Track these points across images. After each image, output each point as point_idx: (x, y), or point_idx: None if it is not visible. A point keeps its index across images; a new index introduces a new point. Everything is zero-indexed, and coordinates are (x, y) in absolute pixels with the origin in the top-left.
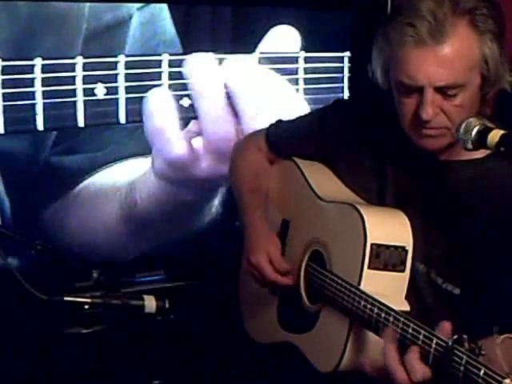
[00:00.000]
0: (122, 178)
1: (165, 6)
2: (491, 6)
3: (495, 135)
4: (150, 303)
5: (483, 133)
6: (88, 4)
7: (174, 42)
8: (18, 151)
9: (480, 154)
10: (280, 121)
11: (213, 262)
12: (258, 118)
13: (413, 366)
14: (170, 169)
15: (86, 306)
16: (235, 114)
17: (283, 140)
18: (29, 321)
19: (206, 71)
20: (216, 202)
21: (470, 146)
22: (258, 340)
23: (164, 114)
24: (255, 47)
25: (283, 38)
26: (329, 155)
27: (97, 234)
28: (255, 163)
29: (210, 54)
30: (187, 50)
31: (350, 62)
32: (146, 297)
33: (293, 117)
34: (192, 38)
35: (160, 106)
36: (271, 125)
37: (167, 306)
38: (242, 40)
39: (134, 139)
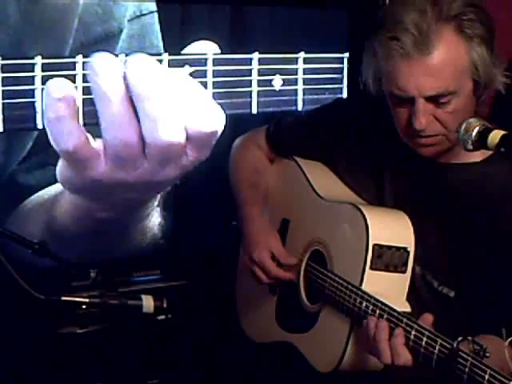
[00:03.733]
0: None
1: (156, 20)
2: (477, 10)
3: (496, 136)
4: (148, 303)
5: (483, 133)
6: (78, 16)
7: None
8: None
9: (478, 157)
10: (280, 119)
11: (210, 262)
12: (161, 122)
13: (398, 351)
14: (69, 166)
15: (84, 306)
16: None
17: (284, 139)
18: (26, 320)
19: (110, 73)
20: (153, 224)
21: (470, 146)
22: (256, 339)
23: (66, 102)
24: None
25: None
26: (329, 154)
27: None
28: (255, 160)
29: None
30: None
31: (348, 62)
32: (143, 297)
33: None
34: (188, 38)
35: (62, 93)
36: (272, 123)
37: (165, 305)
38: (241, 40)
39: None
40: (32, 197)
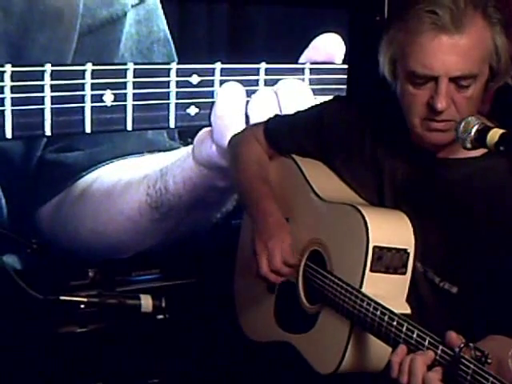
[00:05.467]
0: (144, 168)
1: (159, 4)
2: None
3: (494, 134)
4: (147, 302)
5: (482, 132)
6: (82, 1)
7: (167, 40)
8: (11, 150)
9: (477, 152)
10: (278, 115)
11: (209, 261)
12: None
13: None
14: (222, 155)
15: (82, 306)
16: None
17: (282, 135)
18: (24, 320)
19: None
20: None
21: (469, 145)
22: (255, 339)
23: (235, 104)
24: (256, 52)
25: (330, 47)
26: (327, 151)
27: (112, 224)
28: (258, 156)
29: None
30: (184, 57)
31: (347, 73)
32: (142, 296)
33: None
34: (188, 45)
35: (233, 96)
36: (269, 119)
37: (163, 305)
38: (240, 44)
39: (131, 137)
40: (95, 176)
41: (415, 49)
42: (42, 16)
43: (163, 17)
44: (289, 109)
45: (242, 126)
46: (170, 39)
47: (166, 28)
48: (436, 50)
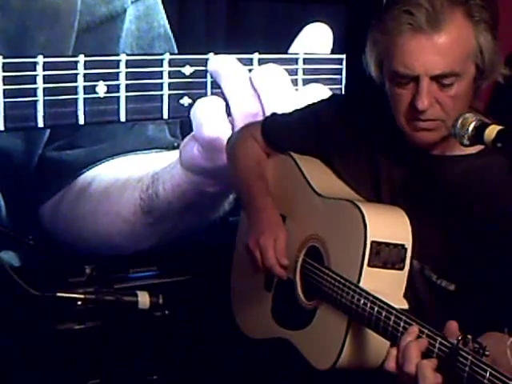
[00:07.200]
0: (140, 169)
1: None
2: None
3: (492, 131)
4: (144, 299)
5: (480, 128)
6: None
7: (168, 36)
8: (11, 148)
9: (473, 149)
10: (275, 114)
11: (206, 258)
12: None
13: (425, 375)
14: (204, 155)
15: (79, 302)
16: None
17: (279, 133)
18: (21, 317)
19: (234, 66)
20: (231, 197)
21: (466, 141)
22: (251, 336)
23: (214, 100)
24: (253, 45)
25: (318, 37)
26: (324, 150)
27: (111, 225)
28: (255, 152)
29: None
30: (181, 49)
31: (346, 62)
32: (139, 293)
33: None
34: (186, 37)
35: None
36: (267, 118)
37: (161, 301)
38: (238, 38)
39: (131, 134)
40: (95, 174)
41: (395, 49)
42: (40, 14)
43: (163, 12)
44: (267, 92)
45: (223, 117)
46: (171, 35)
47: (167, 23)
48: (415, 50)
